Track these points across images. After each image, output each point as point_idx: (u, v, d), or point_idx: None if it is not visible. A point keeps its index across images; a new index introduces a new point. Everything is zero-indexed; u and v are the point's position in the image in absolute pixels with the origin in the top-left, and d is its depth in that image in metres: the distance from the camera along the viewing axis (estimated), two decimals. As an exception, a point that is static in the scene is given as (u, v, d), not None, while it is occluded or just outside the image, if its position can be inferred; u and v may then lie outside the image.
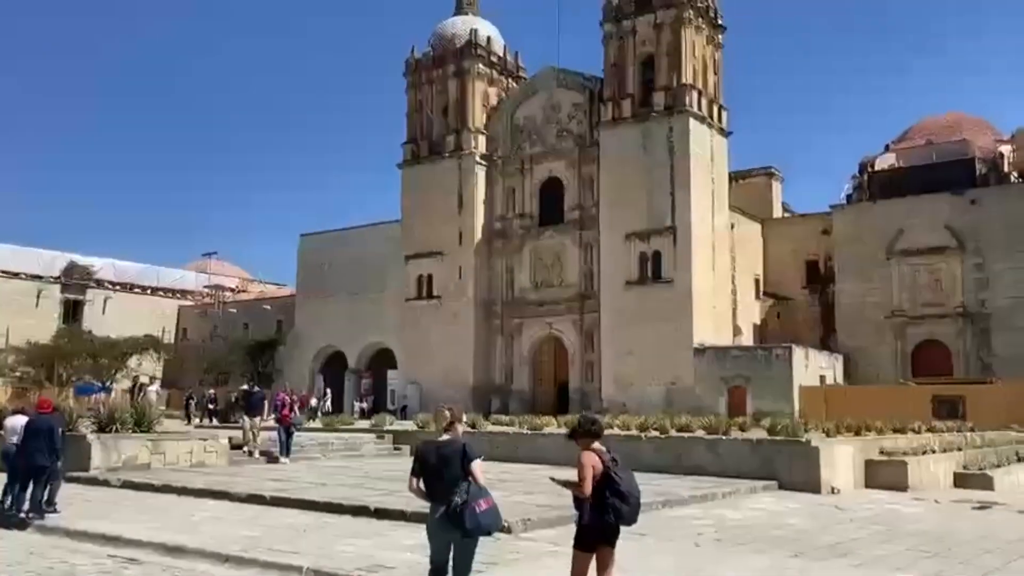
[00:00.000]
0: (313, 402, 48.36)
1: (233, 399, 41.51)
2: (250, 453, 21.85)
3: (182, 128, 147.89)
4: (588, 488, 6.60)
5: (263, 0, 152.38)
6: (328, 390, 53.23)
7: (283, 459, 21.49)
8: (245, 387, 32.58)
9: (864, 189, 50.23)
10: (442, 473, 6.88)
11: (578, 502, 6.75)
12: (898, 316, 46.26)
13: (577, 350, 49.17)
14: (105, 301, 66.86)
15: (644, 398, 42.51)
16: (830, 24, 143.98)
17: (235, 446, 21.66)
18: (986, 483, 19.17)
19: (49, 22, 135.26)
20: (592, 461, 6.66)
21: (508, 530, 11.55)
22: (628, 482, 6.69)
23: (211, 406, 39.92)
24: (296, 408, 27.16)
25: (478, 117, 54.29)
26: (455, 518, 6.74)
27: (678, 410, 33.31)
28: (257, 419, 22.73)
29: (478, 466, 6.86)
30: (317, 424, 32.13)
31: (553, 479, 6.97)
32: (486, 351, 51.94)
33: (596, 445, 6.82)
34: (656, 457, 19.63)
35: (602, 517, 6.65)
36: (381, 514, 12.99)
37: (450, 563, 7.03)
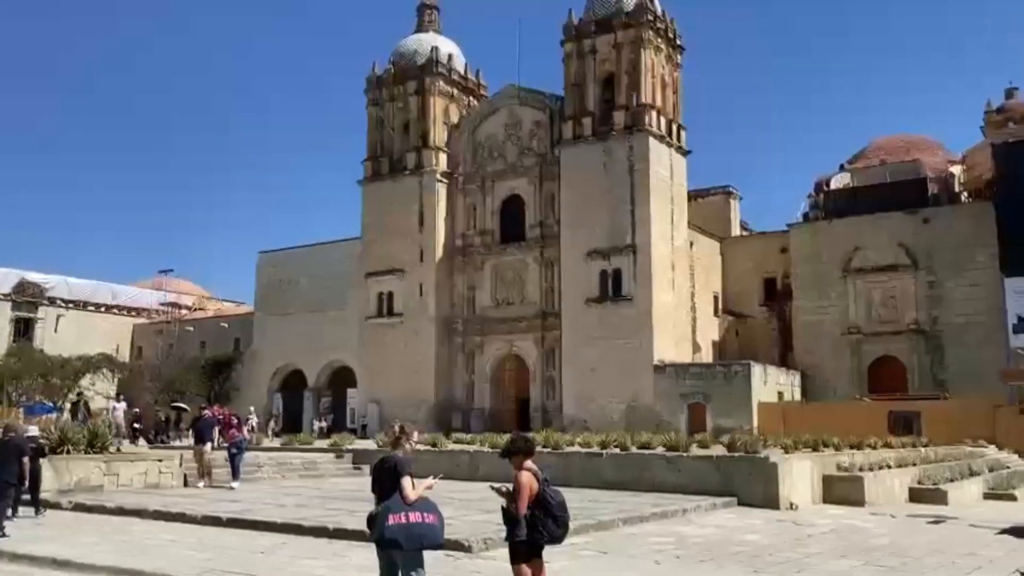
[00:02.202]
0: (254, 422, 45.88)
1: (164, 419, 39.65)
2: (187, 480, 20.15)
3: (138, 144, 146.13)
4: (524, 507, 7.02)
5: (222, 16, 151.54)
6: (252, 407, 50.11)
7: (233, 484, 19.93)
8: (178, 406, 29.93)
9: (820, 208, 51.01)
10: (382, 487, 7.12)
11: (509, 518, 7.11)
12: (854, 333, 46.95)
13: (538, 367, 49.17)
14: (58, 319, 65.52)
15: (605, 415, 42.66)
16: (786, 45, 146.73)
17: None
18: (940, 498, 19.47)
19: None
20: (529, 481, 7.08)
21: (468, 548, 11.52)
22: (560, 502, 7.15)
23: (136, 425, 36.31)
24: (246, 428, 24.84)
25: (439, 134, 54.30)
26: (368, 527, 7.04)
27: (639, 427, 33.57)
28: (208, 446, 20.63)
29: (406, 481, 7.01)
30: (275, 443, 31.67)
31: (492, 487, 7.42)
32: (447, 369, 51.74)
33: (529, 463, 7.21)
34: (617, 474, 19.71)
35: (534, 535, 7.05)
36: (340, 534, 12.85)
37: None
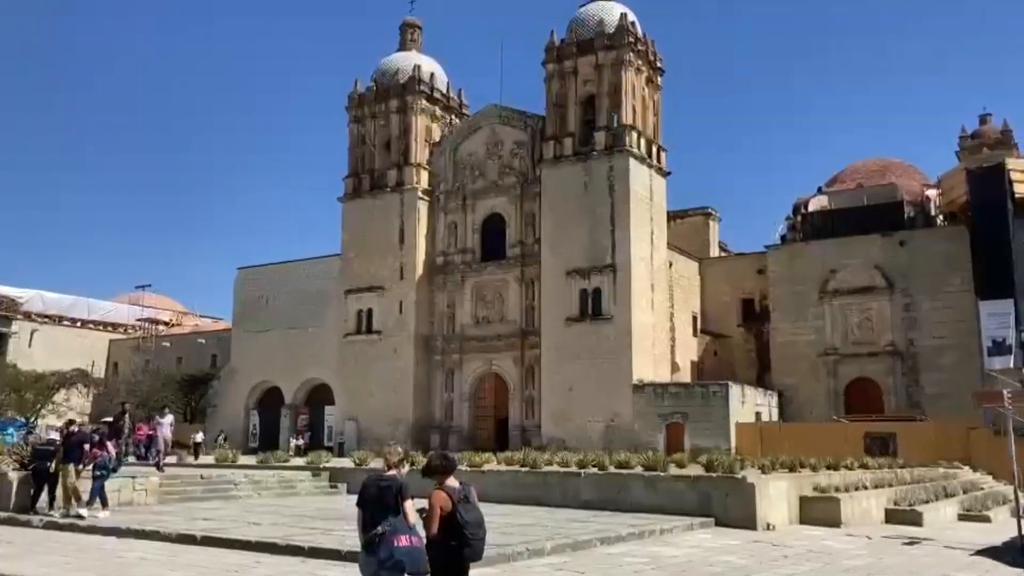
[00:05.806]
0: (193, 436, 43.40)
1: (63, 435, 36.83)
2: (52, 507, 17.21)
3: (118, 158, 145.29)
4: (435, 527, 6.92)
5: (204, 32, 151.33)
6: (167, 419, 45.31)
7: (83, 511, 16.82)
8: (107, 420, 25.38)
9: (797, 230, 51.39)
10: (376, 504, 7.07)
11: (427, 539, 7.03)
12: (831, 354, 47.21)
13: (517, 386, 49.10)
14: (32, 333, 64.87)
15: (584, 434, 42.65)
16: (765, 69, 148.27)
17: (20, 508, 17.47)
18: (915, 518, 19.56)
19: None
20: (441, 501, 6.98)
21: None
22: (473, 520, 7.00)
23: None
24: (114, 444, 20.02)
25: (421, 152, 54.38)
26: (371, 547, 6.95)
27: (617, 446, 33.54)
28: (71, 467, 17.19)
29: (409, 504, 7.04)
30: (251, 460, 31.25)
31: (416, 509, 7.23)
32: (426, 387, 51.56)
33: (449, 482, 7.14)
34: (595, 493, 19.66)
35: (448, 553, 6.94)
36: (316, 553, 12.74)
37: None
